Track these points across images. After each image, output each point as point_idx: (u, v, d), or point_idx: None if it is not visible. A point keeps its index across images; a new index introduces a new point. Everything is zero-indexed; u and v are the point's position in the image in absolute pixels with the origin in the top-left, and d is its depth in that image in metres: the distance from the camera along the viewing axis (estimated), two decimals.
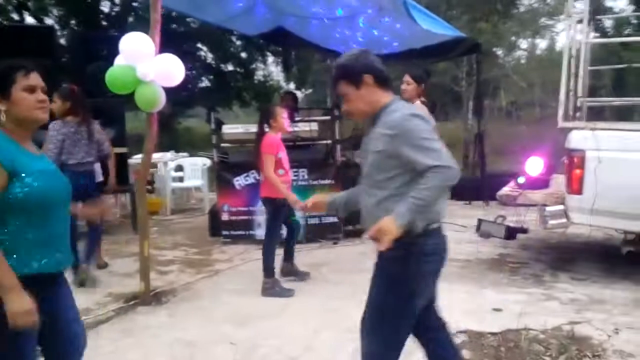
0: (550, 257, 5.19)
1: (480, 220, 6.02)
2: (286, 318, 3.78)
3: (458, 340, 3.31)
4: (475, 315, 3.72)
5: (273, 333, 3.46)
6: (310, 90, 25.60)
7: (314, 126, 5.76)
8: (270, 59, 18.11)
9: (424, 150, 1.97)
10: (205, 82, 18.25)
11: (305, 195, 5.65)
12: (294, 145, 5.77)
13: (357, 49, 2.19)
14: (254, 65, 18.33)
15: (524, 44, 21.08)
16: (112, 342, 3.41)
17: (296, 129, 5.71)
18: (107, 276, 4.78)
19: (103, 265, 5.04)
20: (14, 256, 1.77)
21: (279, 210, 4.25)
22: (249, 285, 4.39)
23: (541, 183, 5.11)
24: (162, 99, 3.97)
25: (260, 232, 5.65)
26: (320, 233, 5.89)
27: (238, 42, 16.89)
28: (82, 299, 4.05)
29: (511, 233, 5.61)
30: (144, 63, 3.85)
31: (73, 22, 14.92)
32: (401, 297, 2.10)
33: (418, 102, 4.41)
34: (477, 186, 7.85)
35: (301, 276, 4.60)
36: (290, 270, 4.61)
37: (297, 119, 5.88)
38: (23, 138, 1.90)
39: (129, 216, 6.76)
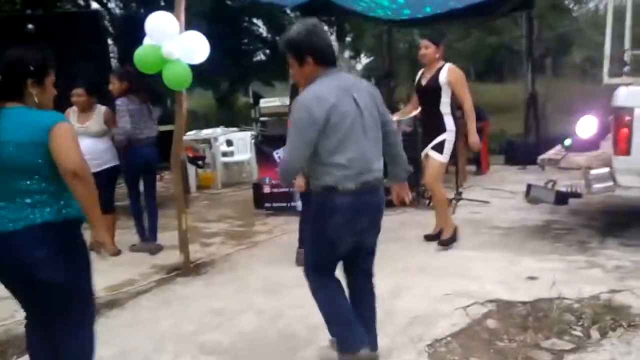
0: (602, 223, 4.91)
1: (529, 186, 5.78)
2: None
3: (485, 309, 3.24)
4: (508, 284, 3.60)
5: (299, 303, 3.50)
6: (371, 59, 25.11)
7: None
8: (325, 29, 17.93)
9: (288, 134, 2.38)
10: (260, 56, 18.37)
11: None
12: None
13: (305, 25, 2.41)
14: None
15: None
16: (149, 311, 3.61)
17: None
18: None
19: (116, 253, 4.60)
20: None
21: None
22: (284, 256, 4.46)
23: (590, 145, 4.79)
24: (188, 77, 4.06)
25: (300, 204, 5.70)
26: None
27: (292, 15, 16.82)
28: (128, 270, 4.36)
29: (561, 198, 5.32)
30: (169, 42, 3.94)
31: (134, 4, 15.41)
32: (315, 229, 2.53)
33: (448, 64, 4.29)
34: (531, 150, 7.49)
35: None
36: None
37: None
38: None
39: None
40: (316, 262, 2.59)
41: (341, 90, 2.36)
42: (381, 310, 3.25)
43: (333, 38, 18.59)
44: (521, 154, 7.47)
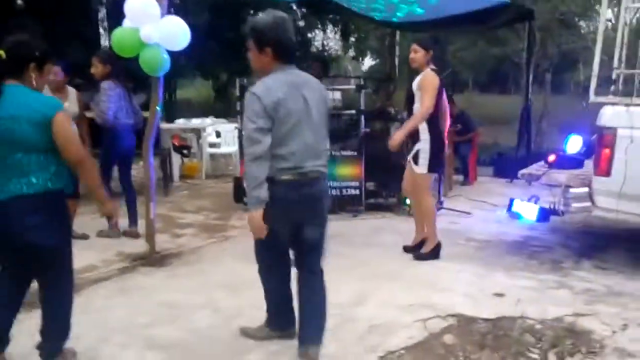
0: (579, 243, 4.82)
1: (512, 200, 5.72)
2: None
3: (445, 323, 3.16)
4: (473, 298, 3.52)
5: (259, 303, 3.42)
6: (376, 61, 24.99)
7: (337, 95, 5.59)
8: (330, 27, 17.82)
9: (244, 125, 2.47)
10: None
11: (330, 167, 5.64)
12: None
13: (274, 17, 2.47)
14: (312, 34, 18.12)
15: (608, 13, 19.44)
16: (104, 299, 3.52)
17: None
18: (123, 236, 4.91)
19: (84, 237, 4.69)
20: None
21: None
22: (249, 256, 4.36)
23: (574, 163, 4.72)
24: (165, 62, 3.96)
25: None
26: (340, 205, 5.77)
27: (298, 11, 16.68)
28: (91, 256, 4.26)
29: (543, 215, 5.26)
30: (148, 25, 3.84)
31: None
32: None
33: (428, 69, 4.16)
34: (520, 164, 7.41)
35: None
36: None
37: None
38: None
39: (160, 179, 6.92)
40: (262, 245, 2.72)
41: (292, 87, 2.46)
42: (341, 316, 3.20)
43: (337, 37, 18.55)
44: (510, 166, 7.36)
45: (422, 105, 4.09)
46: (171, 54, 4.00)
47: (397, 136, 4.20)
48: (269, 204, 2.45)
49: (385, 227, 5.30)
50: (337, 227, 5.35)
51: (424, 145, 4.16)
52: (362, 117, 5.69)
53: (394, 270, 4.09)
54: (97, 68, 4.64)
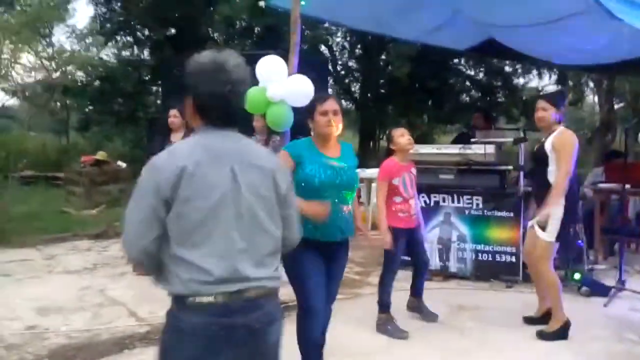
0: None
1: None
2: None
3: None
4: None
5: None
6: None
7: (490, 149, 5.03)
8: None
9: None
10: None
11: (480, 227, 5.09)
12: (469, 169, 5.18)
13: (208, 58, 1.71)
14: (525, 79, 17.02)
15: None
16: None
17: (469, 151, 5.11)
18: None
19: None
20: None
21: (394, 239, 3.89)
22: (365, 320, 4.08)
23: None
24: (289, 119, 4.09)
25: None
26: (492, 272, 5.13)
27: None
28: None
29: None
30: (274, 84, 4.04)
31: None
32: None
33: (562, 129, 3.58)
34: None
35: (427, 316, 4.11)
36: (416, 307, 4.18)
37: (472, 140, 5.27)
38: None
39: None
40: None
41: (213, 156, 1.65)
42: None
43: (552, 80, 16.96)
44: None
45: (560, 168, 3.56)
46: None
47: (546, 213, 3.60)
48: (173, 344, 1.61)
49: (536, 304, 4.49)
50: (479, 297, 4.76)
51: (556, 211, 3.57)
52: (522, 174, 5.02)
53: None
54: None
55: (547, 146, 3.66)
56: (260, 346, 1.67)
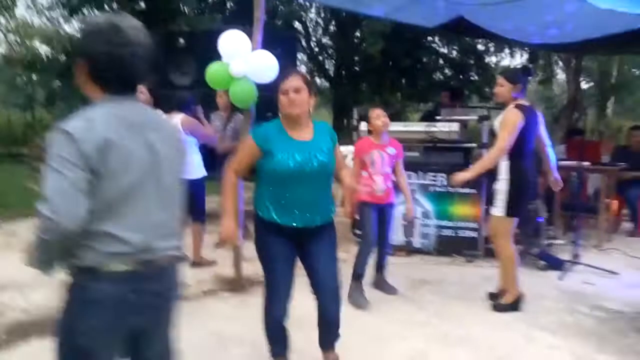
0: None
1: None
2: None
3: None
4: None
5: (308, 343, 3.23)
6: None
7: (454, 127, 5.10)
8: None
9: (45, 178, 1.50)
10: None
11: (444, 203, 5.18)
12: (434, 147, 5.25)
13: (103, 19, 1.62)
14: (497, 57, 17.15)
15: None
16: None
17: (434, 129, 5.17)
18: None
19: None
20: None
21: (361, 212, 4.04)
22: None
23: None
24: (254, 95, 4.07)
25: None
26: (454, 247, 5.25)
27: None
28: (189, 274, 4.52)
29: None
30: (237, 60, 3.99)
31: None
32: (62, 334, 1.66)
33: (511, 106, 3.68)
34: None
35: (387, 290, 4.22)
36: (377, 283, 4.28)
37: (437, 118, 5.33)
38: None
39: None
40: None
41: (127, 126, 1.60)
42: None
43: (523, 60, 17.17)
44: None
45: (498, 142, 3.67)
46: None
47: (461, 176, 3.78)
48: (82, 313, 1.60)
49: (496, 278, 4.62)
50: (440, 271, 4.88)
51: (501, 185, 3.74)
52: (484, 152, 5.10)
53: (472, 333, 3.52)
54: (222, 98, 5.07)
55: (496, 123, 3.79)
56: (164, 312, 1.80)
